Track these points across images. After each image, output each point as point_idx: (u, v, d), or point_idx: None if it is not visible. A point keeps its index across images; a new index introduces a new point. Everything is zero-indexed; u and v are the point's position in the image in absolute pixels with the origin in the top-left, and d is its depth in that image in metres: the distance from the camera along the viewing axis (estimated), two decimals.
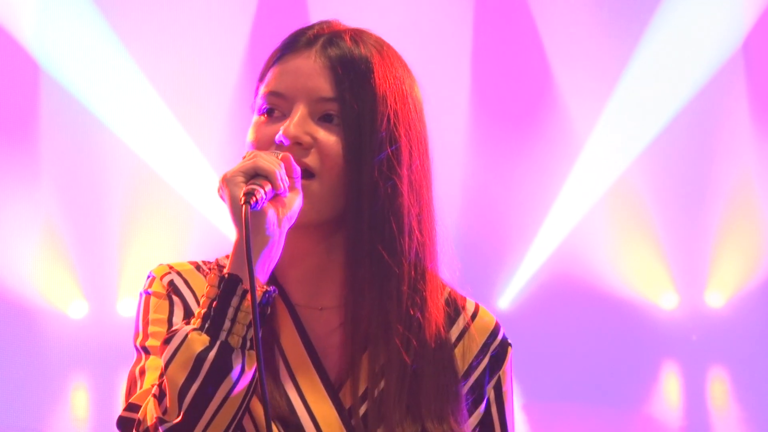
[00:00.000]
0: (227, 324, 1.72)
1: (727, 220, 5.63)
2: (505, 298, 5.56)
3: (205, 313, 1.73)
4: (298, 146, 1.82)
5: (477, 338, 1.93)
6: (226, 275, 1.74)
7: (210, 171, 5.19)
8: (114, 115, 5.27)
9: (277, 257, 1.77)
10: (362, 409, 1.83)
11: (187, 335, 1.71)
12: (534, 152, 5.63)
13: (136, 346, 1.86)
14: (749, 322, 5.62)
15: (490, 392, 1.94)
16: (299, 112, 1.83)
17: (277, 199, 1.76)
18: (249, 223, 1.69)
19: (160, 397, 1.72)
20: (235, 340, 1.72)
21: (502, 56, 5.67)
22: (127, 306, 5.20)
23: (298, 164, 1.80)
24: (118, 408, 1.82)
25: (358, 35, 1.88)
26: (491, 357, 1.94)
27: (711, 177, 5.66)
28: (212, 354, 1.70)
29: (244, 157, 1.78)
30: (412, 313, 1.85)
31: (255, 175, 1.74)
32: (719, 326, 5.63)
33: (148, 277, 1.91)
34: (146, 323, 1.86)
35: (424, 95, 1.92)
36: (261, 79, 1.90)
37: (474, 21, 5.63)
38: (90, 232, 5.27)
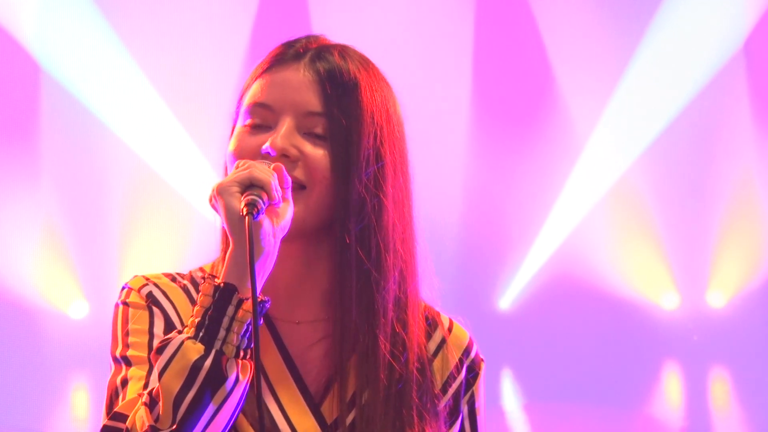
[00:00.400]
0: (222, 333, 1.72)
1: (728, 220, 5.62)
2: (506, 298, 5.54)
3: (199, 322, 1.72)
4: (284, 158, 1.82)
5: (454, 353, 1.96)
6: (222, 285, 1.73)
7: (210, 171, 5.18)
8: (114, 115, 5.27)
9: (271, 268, 1.77)
10: (350, 418, 1.84)
11: (182, 343, 1.71)
12: (535, 152, 5.62)
13: (114, 356, 1.85)
14: (750, 322, 5.62)
15: (464, 407, 1.96)
16: (286, 124, 1.83)
17: (271, 210, 1.76)
18: (253, 234, 1.69)
19: (151, 404, 1.71)
20: (229, 350, 1.71)
21: (504, 56, 5.67)
22: None
23: None
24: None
25: (345, 51, 1.89)
26: (466, 373, 1.96)
27: (712, 177, 5.66)
28: (208, 362, 1.70)
29: (237, 167, 1.77)
30: (397, 330, 1.86)
31: (250, 185, 1.73)
32: (720, 326, 5.62)
33: (123, 288, 1.90)
34: (125, 334, 1.85)
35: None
36: (245, 89, 1.90)
37: (475, 21, 5.63)
38: (90, 232, 5.26)
